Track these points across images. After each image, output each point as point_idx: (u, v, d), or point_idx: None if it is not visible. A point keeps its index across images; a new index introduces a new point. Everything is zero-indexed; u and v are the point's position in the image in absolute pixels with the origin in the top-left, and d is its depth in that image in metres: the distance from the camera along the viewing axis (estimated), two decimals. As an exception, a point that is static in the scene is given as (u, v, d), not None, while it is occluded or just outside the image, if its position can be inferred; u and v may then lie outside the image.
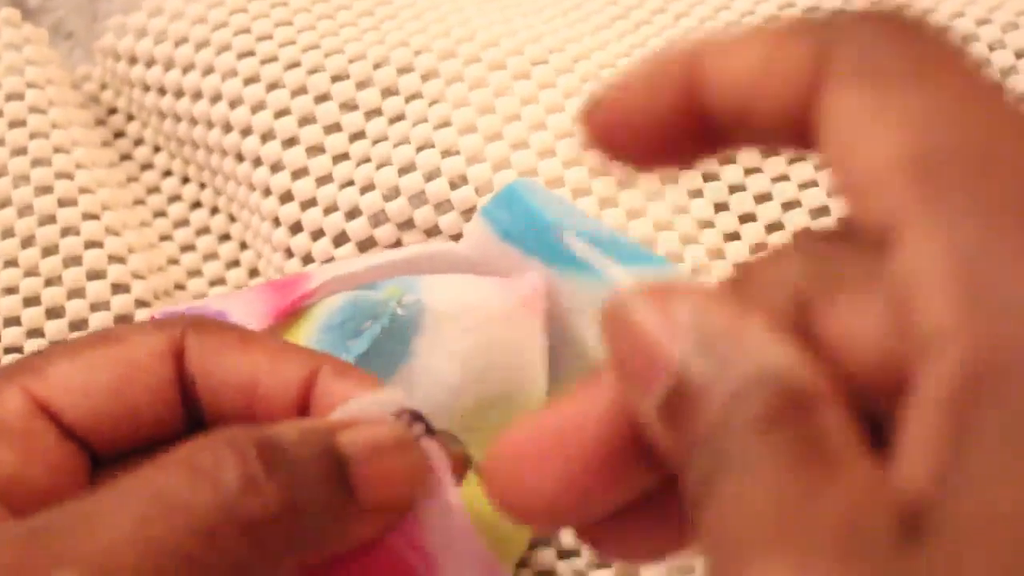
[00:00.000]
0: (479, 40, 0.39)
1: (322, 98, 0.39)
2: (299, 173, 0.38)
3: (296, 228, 0.38)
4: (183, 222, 0.43)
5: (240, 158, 0.40)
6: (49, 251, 0.38)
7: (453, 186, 0.37)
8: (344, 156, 0.38)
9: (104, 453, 0.26)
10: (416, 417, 0.25)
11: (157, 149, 0.44)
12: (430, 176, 0.37)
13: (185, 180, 0.43)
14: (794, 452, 0.18)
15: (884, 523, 0.17)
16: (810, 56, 0.18)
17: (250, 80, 0.39)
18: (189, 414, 0.26)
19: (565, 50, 0.40)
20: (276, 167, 0.38)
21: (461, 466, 0.26)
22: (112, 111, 0.45)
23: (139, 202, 0.43)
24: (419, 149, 0.37)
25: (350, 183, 0.38)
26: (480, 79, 0.38)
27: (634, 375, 0.20)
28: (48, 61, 0.43)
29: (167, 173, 0.44)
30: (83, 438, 0.25)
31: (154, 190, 0.44)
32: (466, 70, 0.38)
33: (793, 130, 0.19)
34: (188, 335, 0.26)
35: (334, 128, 0.38)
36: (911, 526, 0.16)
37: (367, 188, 0.37)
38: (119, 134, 0.45)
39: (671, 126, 0.20)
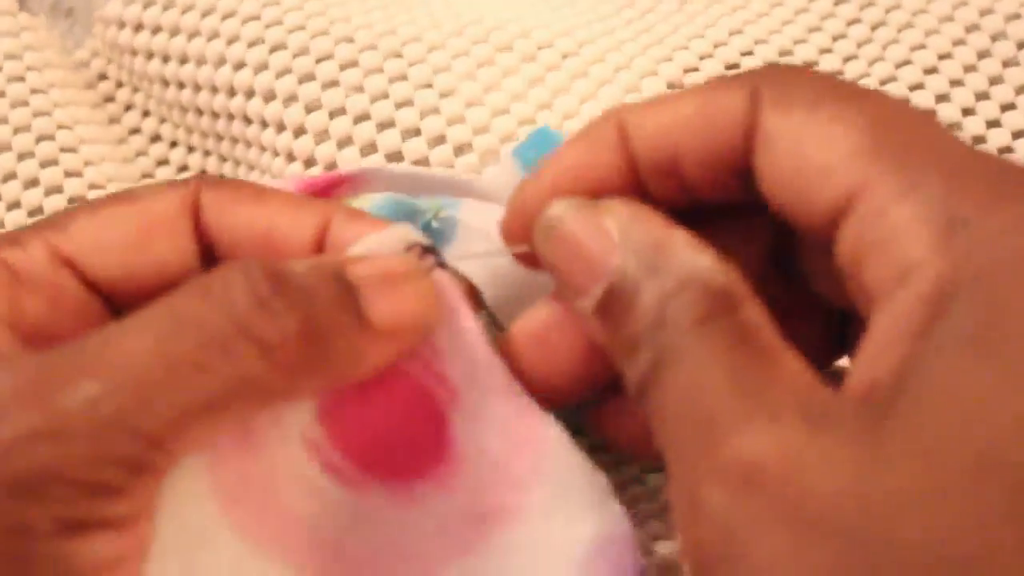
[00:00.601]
0: (486, 25, 0.40)
1: (324, 57, 0.38)
2: (299, 131, 0.38)
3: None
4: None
5: (247, 120, 0.39)
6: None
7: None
8: (342, 111, 0.37)
9: (126, 306, 0.26)
10: (427, 250, 0.26)
11: (162, 120, 0.44)
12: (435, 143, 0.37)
13: (191, 149, 0.43)
14: (735, 340, 0.21)
15: (845, 402, 0.20)
16: (745, 96, 0.23)
17: (253, 43, 0.39)
18: (207, 267, 0.26)
19: (571, 34, 0.40)
20: (280, 127, 0.38)
21: (474, 299, 0.26)
22: (118, 85, 0.45)
23: (147, 175, 0.43)
24: (423, 115, 0.37)
25: (349, 142, 0.37)
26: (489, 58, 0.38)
27: (572, 282, 0.24)
28: (46, 46, 0.43)
29: (174, 144, 0.44)
30: (105, 290, 0.26)
31: (163, 162, 0.44)
32: (473, 48, 0.38)
33: (726, 163, 0.24)
34: (203, 190, 0.26)
35: (331, 84, 0.38)
36: (874, 406, 0.19)
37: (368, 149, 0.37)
38: (128, 107, 0.45)
39: (611, 180, 0.25)
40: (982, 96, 0.39)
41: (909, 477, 0.18)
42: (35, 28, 0.44)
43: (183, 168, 0.43)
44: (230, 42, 0.39)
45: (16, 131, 0.39)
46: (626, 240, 0.23)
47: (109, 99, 0.45)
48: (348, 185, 0.34)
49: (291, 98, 0.38)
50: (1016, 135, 0.38)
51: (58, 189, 0.38)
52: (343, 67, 0.38)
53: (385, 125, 0.37)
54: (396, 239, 0.26)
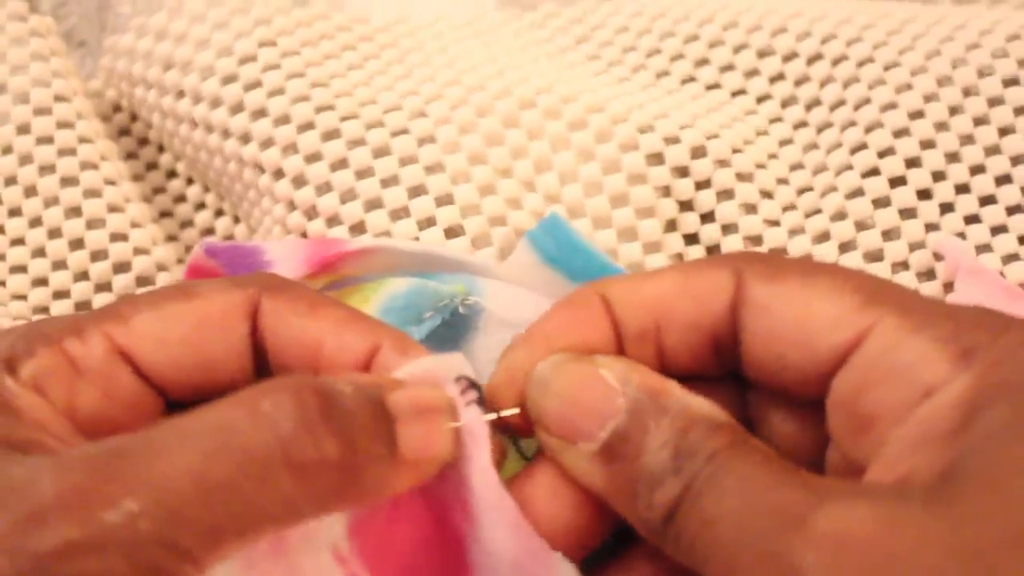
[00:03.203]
0: (466, 84, 0.39)
1: (305, 127, 0.38)
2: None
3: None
4: (209, 230, 0.44)
5: (245, 184, 0.40)
6: (76, 245, 0.39)
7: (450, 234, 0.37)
8: (326, 187, 0.37)
9: (177, 400, 0.27)
10: (472, 384, 0.26)
11: (177, 158, 0.44)
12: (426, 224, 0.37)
13: (206, 189, 0.44)
14: (763, 457, 0.23)
15: (894, 486, 0.22)
16: (728, 273, 0.26)
17: (236, 110, 0.39)
18: (258, 370, 0.28)
19: (553, 90, 0.39)
20: (278, 174, 0.38)
21: (499, 446, 0.27)
22: (133, 118, 0.45)
23: (166, 213, 0.44)
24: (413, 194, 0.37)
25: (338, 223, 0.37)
26: (472, 123, 0.38)
27: (573, 430, 0.25)
28: (71, 73, 0.43)
29: (190, 181, 0.44)
30: (158, 384, 0.27)
31: (180, 199, 0.45)
32: (454, 114, 0.38)
33: (706, 332, 0.26)
34: (263, 296, 0.27)
35: (315, 157, 0.37)
36: (926, 488, 0.21)
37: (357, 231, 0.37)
38: (143, 141, 0.45)
39: (596, 343, 0.26)
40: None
41: (1000, 529, 0.20)
42: (61, 54, 0.43)
43: (200, 205, 0.44)
44: (214, 105, 0.39)
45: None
46: (626, 385, 0.25)
47: (125, 132, 0.45)
48: (356, 258, 0.35)
49: (278, 173, 0.38)
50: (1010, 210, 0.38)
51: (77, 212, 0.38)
52: (323, 138, 0.38)
53: (373, 205, 0.37)
54: (448, 367, 0.26)
